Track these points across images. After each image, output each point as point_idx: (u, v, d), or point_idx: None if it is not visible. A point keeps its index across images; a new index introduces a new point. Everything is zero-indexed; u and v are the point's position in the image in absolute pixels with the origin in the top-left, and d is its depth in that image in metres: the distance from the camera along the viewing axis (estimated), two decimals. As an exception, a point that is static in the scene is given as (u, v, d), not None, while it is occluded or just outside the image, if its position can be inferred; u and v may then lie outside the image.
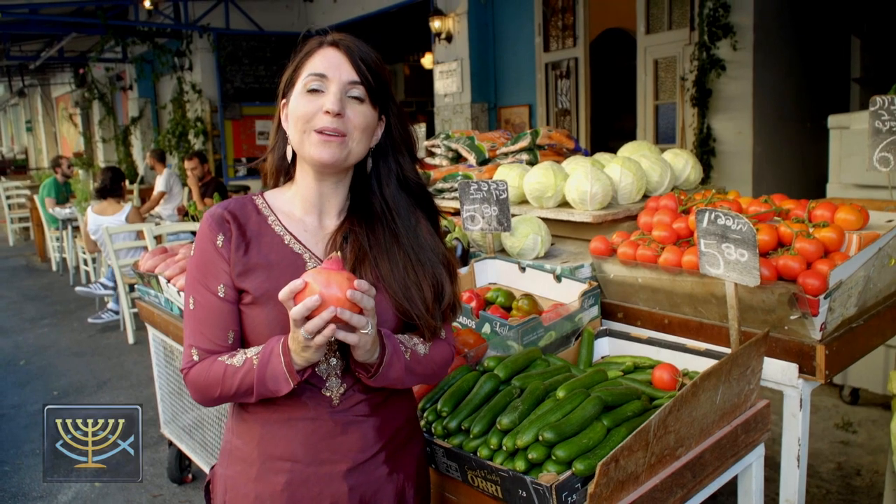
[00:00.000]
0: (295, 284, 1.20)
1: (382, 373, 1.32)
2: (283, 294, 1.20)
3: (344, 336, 1.22)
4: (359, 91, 1.33)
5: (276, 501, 1.37)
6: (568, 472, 1.47)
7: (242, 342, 1.38)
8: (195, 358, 1.35)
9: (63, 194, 9.16)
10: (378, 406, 1.41)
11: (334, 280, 1.20)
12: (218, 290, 1.35)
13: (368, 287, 1.22)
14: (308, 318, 1.19)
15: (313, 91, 1.32)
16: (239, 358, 1.32)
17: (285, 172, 1.46)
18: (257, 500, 1.38)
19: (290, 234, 1.40)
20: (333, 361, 1.36)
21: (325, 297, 1.18)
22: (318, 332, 1.20)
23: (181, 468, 3.62)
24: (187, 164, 7.49)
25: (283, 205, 1.44)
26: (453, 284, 1.45)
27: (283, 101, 1.40)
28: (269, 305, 1.33)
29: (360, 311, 1.21)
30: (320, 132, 1.31)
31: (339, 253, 1.26)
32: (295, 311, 1.18)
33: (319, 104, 1.31)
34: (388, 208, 1.43)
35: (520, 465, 1.52)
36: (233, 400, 1.36)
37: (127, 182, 8.88)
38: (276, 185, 1.49)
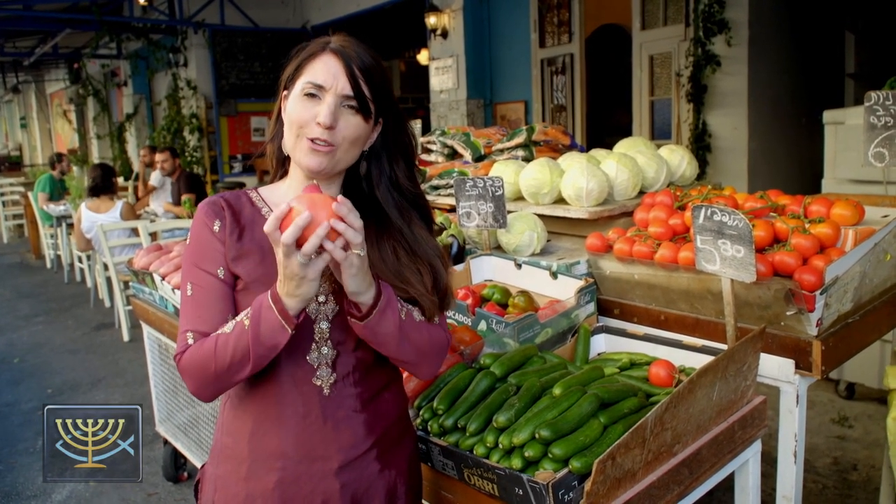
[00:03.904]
0: (279, 211, 1.16)
1: (376, 317, 1.29)
2: (268, 225, 1.16)
3: (332, 248, 1.17)
4: (353, 102, 1.33)
5: (268, 499, 1.36)
6: (564, 470, 1.47)
7: None
8: (190, 341, 1.33)
9: (58, 191, 9.13)
10: (369, 401, 1.41)
11: (318, 200, 1.17)
12: (217, 272, 1.35)
13: (352, 206, 1.19)
14: (299, 243, 1.16)
15: (310, 96, 1.32)
16: (229, 325, 1.29)
17: (282, 162, 1.47)
18: (248, 499, 1.37)
19: None
20: (325, 350, 1.37)
21: (314, 215, 1.15)
22: (315, 252, 1.16)
23: (176, 466, 3.62)
24: (158, 157, 7.44)
25: (277, 199, 1.45)
26: (448, 275, 1.46)
27: (285, 92, 1.40)
28: (260, 291, 1.31)
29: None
30: (312, 141, 1.32)
31: (315, 181, 1.23)
32: (286, 236, 1.14)
33: (314, 113, 1.31)
34: (379, 206, 1.44)
35: (516, 462, 1.52)
36: (229, 375, 1.29)
37: (121, 179, 8.86)
38: (275, 175, 1.50)
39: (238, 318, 1.29)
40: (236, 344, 1.27)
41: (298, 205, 1.17)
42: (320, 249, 1.17)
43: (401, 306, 1.35)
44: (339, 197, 1.19)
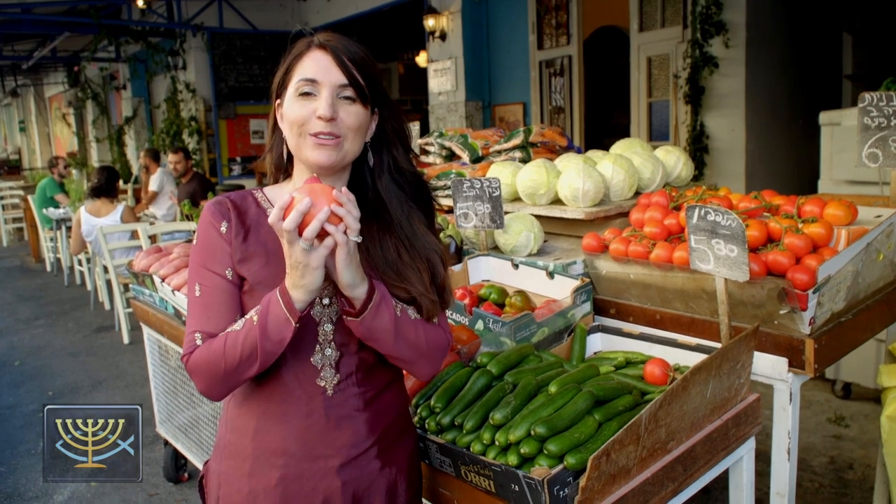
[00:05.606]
0: (282, 201, 1.19)
1: (371, 313, 1.30)
2: (272, 216, 1.19)
3: (334, 231, 1.20)
4: (349, 92, 1.35)
5: (270, 496, 1.38)
6: (560, 466, 1.49)
7: None
8: (198, 342, 1.34)
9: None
10: (371, 401, 1.43)
11: (318, 189, 1.20)
12: (226, 273, 1.37)
13: (351, 195, 1.22)
14: (301, 228, 1.18)
15: (305, 94, 1.34)
16: (239, 323, 1.32)
17: (284, 170, 1.49)
18: (251, 495, 1.39)
19: None
20: (329, 351, 1.38)
21: (315, 201, 1.18)
22: (317, 237, 1.19)
23: (177, 467, 3.64)
24: (171, 158, 7.47)
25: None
26: (446, 272, 1.47)
27: (278, 101, 1.42)
28: (265, 294, 1.34)
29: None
30: (315, 136, 1.33)
31: (315, 174, 1.26)
32: (288, 221, 1.17)
33: (312, 108, 1.33)
34: (381, 199, 1.45)
35: (512, 459, 1.54)
36: (237, 374, 1.31)
37: (121, 182, 8.89)
38: (276, 183, 1.51)
39: (248, 316, 1.31)
40: (245, 340, 1.28)
41: (300, 194, 1.19)
42: (322, 235, 1.19)
43: (395, 303, 1.37)
44: (344, 189, 1.21)
